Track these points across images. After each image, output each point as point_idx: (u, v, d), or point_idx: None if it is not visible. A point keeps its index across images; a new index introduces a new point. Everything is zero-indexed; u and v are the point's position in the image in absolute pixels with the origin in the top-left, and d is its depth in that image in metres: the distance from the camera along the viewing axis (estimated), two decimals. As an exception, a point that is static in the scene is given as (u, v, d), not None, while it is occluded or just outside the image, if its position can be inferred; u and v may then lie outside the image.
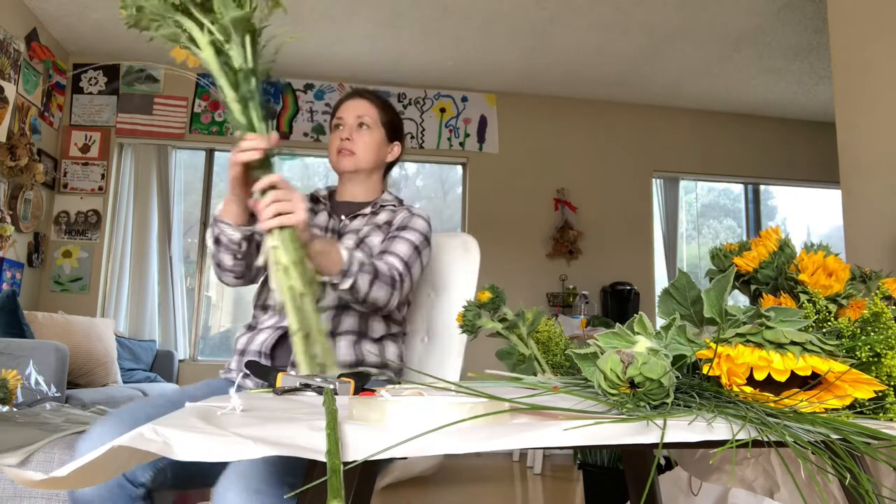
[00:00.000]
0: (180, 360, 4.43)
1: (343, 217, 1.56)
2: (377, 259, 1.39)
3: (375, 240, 1.49)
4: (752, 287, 0.88)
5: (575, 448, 1.70)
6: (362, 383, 1.00)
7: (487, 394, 0.62)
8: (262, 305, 1.51)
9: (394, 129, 1.61)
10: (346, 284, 1.25)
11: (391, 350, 1.52)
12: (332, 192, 1.64)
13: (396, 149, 1.63)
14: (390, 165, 1.67)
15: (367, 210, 1.57)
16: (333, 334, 1.46)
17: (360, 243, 1.48)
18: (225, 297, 5.00)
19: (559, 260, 4.99)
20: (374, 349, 1.47)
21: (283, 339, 1.42)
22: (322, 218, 1.57)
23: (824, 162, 5.20)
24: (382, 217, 1.56)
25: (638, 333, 0.66)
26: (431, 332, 1.73)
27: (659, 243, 5.26)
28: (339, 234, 1.52)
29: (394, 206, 1.60)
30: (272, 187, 1.04)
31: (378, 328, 1.50)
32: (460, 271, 1.65)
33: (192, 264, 4.80)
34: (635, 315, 0.67)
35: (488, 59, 4.54)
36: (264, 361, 1.41)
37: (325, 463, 0.44)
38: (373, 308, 1.37)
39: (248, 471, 0.88)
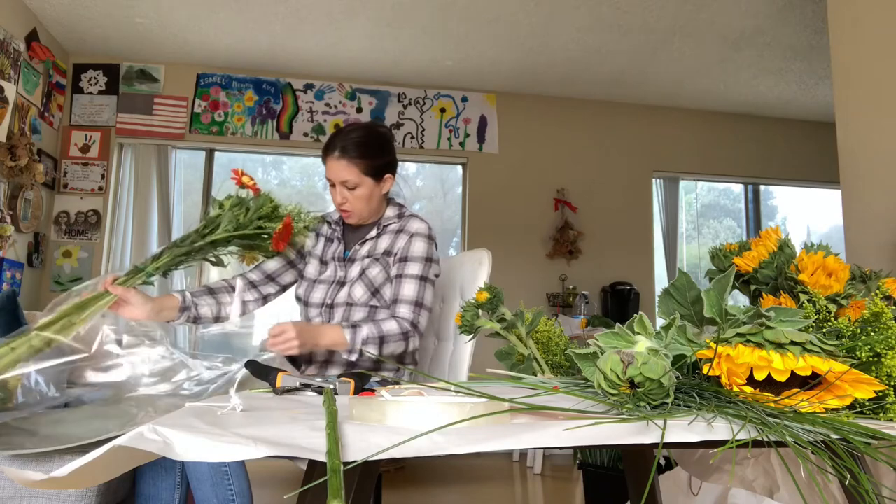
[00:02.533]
0: (180, 360, 4.42)
1: (355, 246, 1.72)
2: (387, 316, 1.58)
3: (375, 271, 1.63)
4: (752, 287, 0.88)
5: (575, 448, 1.71)
6: (362, 383, 1.00)
7: (487, 394, 0.62)
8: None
9: (379, 168, 1.64)
10: (354, 357, 1.51)
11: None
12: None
13: (389, 181, 1.69)
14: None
15: (374, 233, 1.69)
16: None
17: (361, 274, 1.63)
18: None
19: (559, 260, 4.99)
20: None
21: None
22: (333, 247, 1.73)
23: (824, 162, 5.20)
24: (383, 244, 1.67)
25: (638, 333, 0.66)
26: (442, 335, 1.79)
27: (659, 243, 5.26)
28: (352, 261, 1.68)
29: (395, 220, 1.70)
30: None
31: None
32: (475, 280, 1.72)
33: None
34: (635, 315, 0.67)
35: (488, 59, 4.54)
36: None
37: (325, 463, 0.44)
38: (398, 358, 1.60)
39: None
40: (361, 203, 1.64)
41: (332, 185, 1.64)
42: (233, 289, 1.69)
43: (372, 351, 1.49)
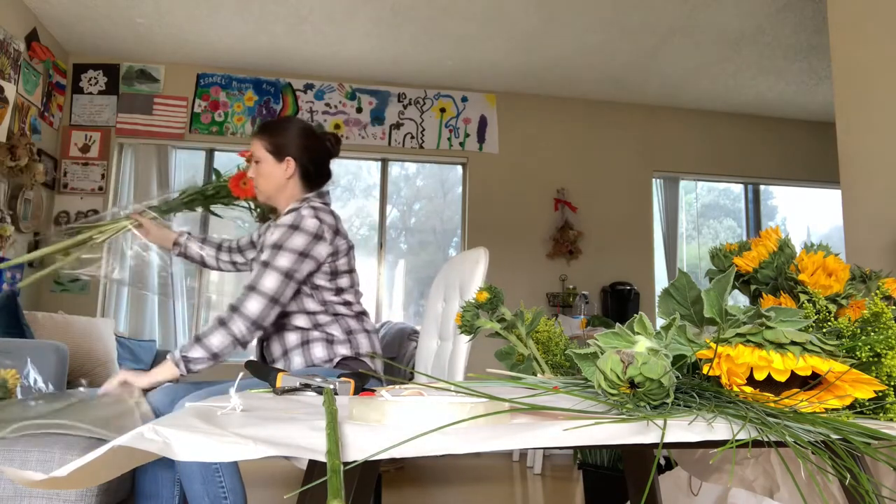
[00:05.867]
0: (180, 360, 4.42)
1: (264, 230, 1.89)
2: (215, 323, 1.60)
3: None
4: (752, 287, 0.88)
5: (575, 448, 1.71)
6: (362, 383, 1.00)
7: (487, 394, 0.62)
8: None
9: (278, 148, 1.74)
10: (201, 354, 1.53)
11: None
12: None
13: (290, 164, 1.74)
14: (309, 175, 1.77)
15: (276, 220, 1.76)
16: (287, 352, 1.67)
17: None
18: (225, 296, 4.99)
19: (559, 260, 4.99)
20: (319, 349, 1.60)
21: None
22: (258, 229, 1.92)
23: (824, 162, 5.20)
24: (265, 236, 1.73)
25: (638, 333, 0.66)
26: (443, 335, 1.79)
27: (659, 243, 5.26)
28: (259, 246, 1.79)
29: (291, 212, 1.72)
30: None
31: (293, 337, 1.67)
32: (473, 279, 1.71)
33: (192, 264, 4.80)
34: (635, 315, 0.67)
35: (488, 59, 4.54)
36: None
37: (325, 463, 0.44)
38: (257, 325, 1.57)
39: None
40: (263, 179, 1.75)
41: None
42: (220, 247, 1.99)
43: (216, 342, 1.54)
